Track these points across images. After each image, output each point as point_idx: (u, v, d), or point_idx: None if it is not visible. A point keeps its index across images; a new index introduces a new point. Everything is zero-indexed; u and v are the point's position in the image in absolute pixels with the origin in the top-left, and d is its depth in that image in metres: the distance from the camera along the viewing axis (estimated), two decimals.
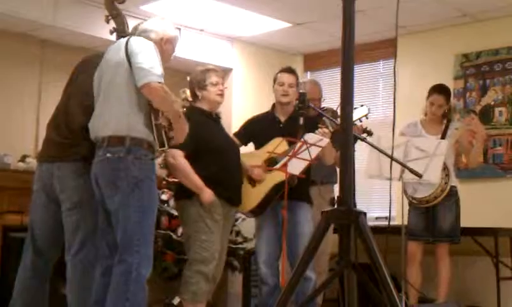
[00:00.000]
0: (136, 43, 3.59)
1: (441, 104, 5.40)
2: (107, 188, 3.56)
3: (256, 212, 4.72)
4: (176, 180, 4.68)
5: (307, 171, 4.59)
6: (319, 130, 4.54)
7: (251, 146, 5.00)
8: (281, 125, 4.82)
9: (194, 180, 4.32)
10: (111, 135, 3.54)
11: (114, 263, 3.54)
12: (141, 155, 3.54)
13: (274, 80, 4.87)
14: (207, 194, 4.30)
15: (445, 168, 5.15)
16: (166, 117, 3.59)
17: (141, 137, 3.54)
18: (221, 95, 4.51)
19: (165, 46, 3.80)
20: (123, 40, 3.67)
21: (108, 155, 3.54)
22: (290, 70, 4.88)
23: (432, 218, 5.25)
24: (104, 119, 3.59)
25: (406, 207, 5.29)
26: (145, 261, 3.56)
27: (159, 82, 3.47)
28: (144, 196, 3.56)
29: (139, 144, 3.54)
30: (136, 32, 3.80)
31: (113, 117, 3.55)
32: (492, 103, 5.42)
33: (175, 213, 5.29)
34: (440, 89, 5.44)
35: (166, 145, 3.60)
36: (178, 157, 4.32)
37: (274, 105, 4.94)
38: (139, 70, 3.48)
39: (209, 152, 4.38)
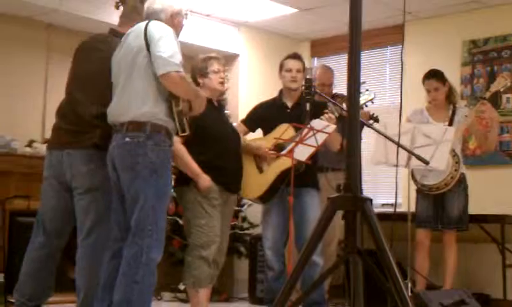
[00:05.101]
0: (155, 29, 3.58)
1: (437, 87, 5.33)
2: (125, 172, 3.57)
3: (265, 198, 4.73)
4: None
5: (313, 157, 4.59)
6: (325, 115, 4.54)
7: (258, 133, 5.00)
8: (288, 111, 4.84)
9: (191, 165, 4.33)
10: (130, 120, 3.55)
11: (125, 245, 3.56)
12: (160, 142, 3.56)
13: (281, 67, 4.89)
14: (204, 180, 4.31)
15: (455, 155, 5.13)
16: (186, 101, 3.61)
17: (161, 123, 3.56)
18: (222, 83, 4.52)
19: (175, 20, 3.80)
20: (142, 24, 3.65)
21: (127, 139, 3.55)
22: (296, 56, 4.90)
23: (441, 205, 5.23)
24: (124, 104, 3.60)
25: (413, 194, 5.27)
26: (156, 246, 3.57)
27: (178, 71, 3.48)
28: (161, 182, 3.58)
29: (158, 130, 3.56)
30: (144, 15, 3.77)
31: (133, 103, 3.56)
32: (502, 89, 5.36)
33: None
34: (428, 74, 5.38)
35: (187, 130, 3.62)
36: (176, 143, 4.31)
37: (281, 91, 4.95)
38: (159, 59, 3.49)
39: (207, 138, 4.38)
